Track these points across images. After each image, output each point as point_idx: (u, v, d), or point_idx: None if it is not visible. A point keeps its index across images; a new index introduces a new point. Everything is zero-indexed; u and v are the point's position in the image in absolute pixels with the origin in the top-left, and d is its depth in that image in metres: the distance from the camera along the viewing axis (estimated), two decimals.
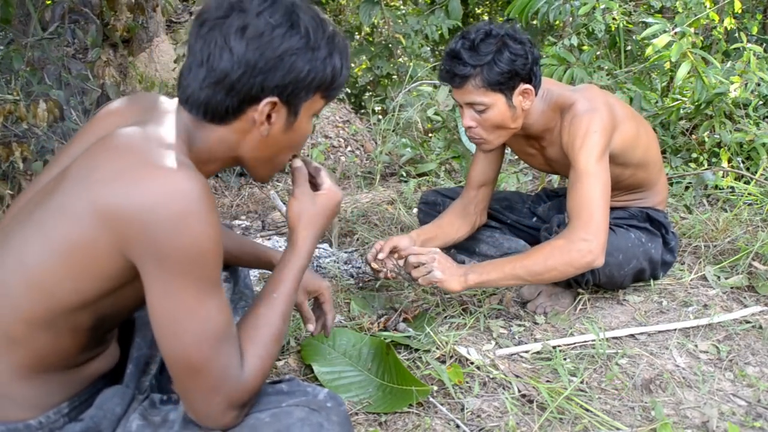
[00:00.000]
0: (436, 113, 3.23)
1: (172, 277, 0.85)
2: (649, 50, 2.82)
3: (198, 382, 0.88)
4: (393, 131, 3.47)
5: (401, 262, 1.76)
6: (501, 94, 1.68)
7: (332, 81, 0.99)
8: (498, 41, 1.65)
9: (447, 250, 2.22)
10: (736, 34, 3.41)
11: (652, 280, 1.99)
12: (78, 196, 0.86)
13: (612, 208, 2.03)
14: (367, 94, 4.99)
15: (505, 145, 2.02)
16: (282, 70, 0.93)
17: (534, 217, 2.23)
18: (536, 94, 1.75)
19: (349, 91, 4.69)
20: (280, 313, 1.00)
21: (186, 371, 0.88)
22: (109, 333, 1.04)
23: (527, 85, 1.70)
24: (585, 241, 1.63)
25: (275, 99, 0.95)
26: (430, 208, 2.25)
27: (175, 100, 1.01)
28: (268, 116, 0.96)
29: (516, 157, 3.16)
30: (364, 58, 4.70)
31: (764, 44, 4.23)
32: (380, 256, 1.78)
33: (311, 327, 1.41)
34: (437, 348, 1.63)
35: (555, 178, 3.00)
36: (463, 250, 2.17)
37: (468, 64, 1.64)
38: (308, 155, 3.24)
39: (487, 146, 1.81)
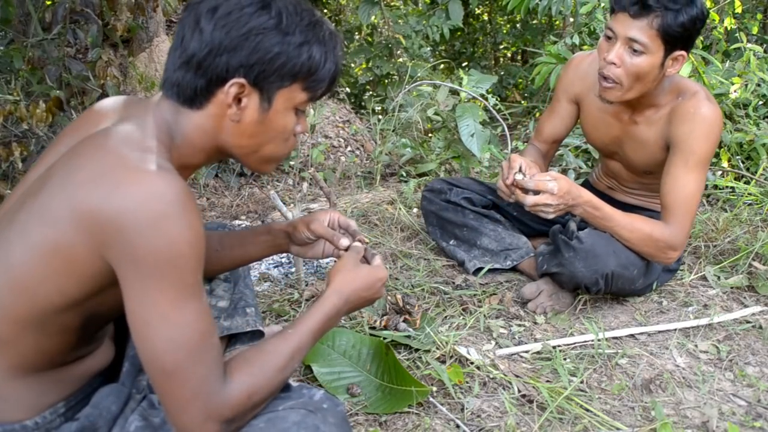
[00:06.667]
0: (436, 113, 3.22)
1: (148, 281, 0.83)
2: None
3: (174, 390, 0.85)
4: (393, 131, 3.46)
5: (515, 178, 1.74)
6: (664, 48, 1.64)
7: (310, 72, 0.97)
8: None
9: (447, 246, 2.22)
10: (736, 34, 3.40)
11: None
12: (59, 198, 0.86)
13: (633, 208, 2.01)
14: (367, 94, 4.99)
15: (580, 107, 2.03)
16: (247, 49, 0.92)
17: None
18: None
19: (349, 91, 4.68)
20: (291, 347, 0.97)
21: (161, 377, 0.85)
22: (101, 330, 1.03)
23: (683, 52, 1.66)
24: (673, 249, 1.76)
25: (242, 80, 0.93)
26: (435, 196, 2.24)
27: (158, 96, 1.00)
28: (239, 100, 0.95)
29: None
30: (364, 57, 4.69)
31: (764, 44, 4.23)
32: (509, 179, 1.75)
33: (344, 242, 1.22)
34: (437, 348, 1.63)
35: None
36: (464, 242, 2.16)
37: (660, 1, 1.59)
38: (308, 155, 3.24)
39: (614, 92, 1.72)
